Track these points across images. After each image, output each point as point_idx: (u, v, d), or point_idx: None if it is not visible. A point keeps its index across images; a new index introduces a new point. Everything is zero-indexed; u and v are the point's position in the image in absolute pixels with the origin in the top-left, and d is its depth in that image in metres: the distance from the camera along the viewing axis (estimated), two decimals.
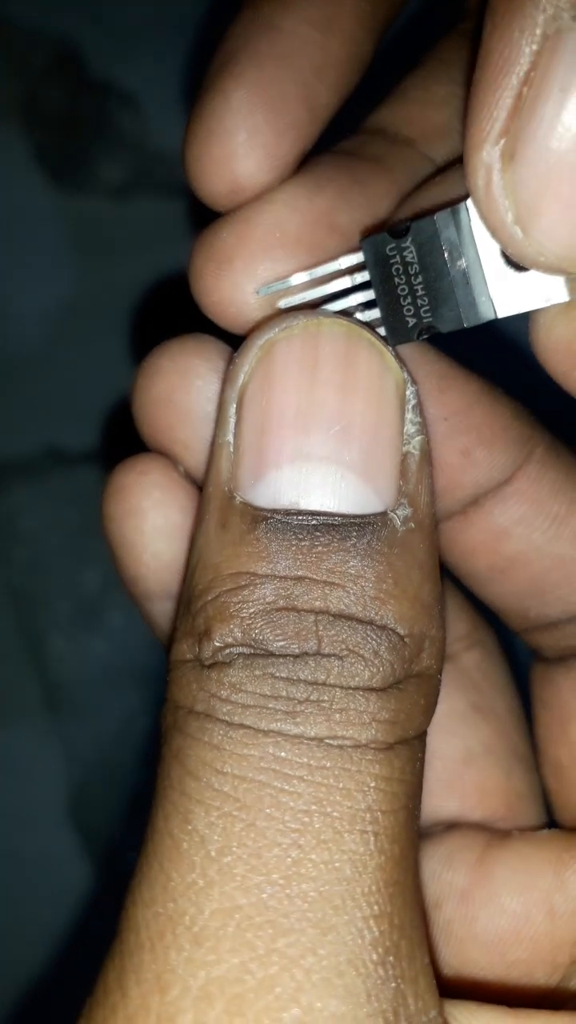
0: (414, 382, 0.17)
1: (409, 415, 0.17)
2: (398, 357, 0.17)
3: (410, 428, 0.17)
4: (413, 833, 0.17)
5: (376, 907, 0.16)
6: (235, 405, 0.17)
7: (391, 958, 0.16)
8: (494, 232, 0.15)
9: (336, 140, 0.20)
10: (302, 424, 0.17)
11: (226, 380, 0.17)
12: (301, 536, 0.16)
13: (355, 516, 0.16)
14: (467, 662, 0.22)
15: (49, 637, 0.46)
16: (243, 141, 0.18)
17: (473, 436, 0.19)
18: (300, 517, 0.16)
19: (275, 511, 0.16)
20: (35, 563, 0.46)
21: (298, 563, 0.16)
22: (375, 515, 0.17)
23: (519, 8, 0.14)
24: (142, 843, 0.17)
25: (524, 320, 0.17)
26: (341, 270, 0.17)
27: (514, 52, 0.14)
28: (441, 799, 0.22)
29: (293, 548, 0.16)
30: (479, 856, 0.21)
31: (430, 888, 0.21)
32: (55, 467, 0.47)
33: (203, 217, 0.19)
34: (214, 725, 0.16)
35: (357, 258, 0.17)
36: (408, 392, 0.17)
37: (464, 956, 0.20)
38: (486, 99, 0.14)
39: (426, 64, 0.21)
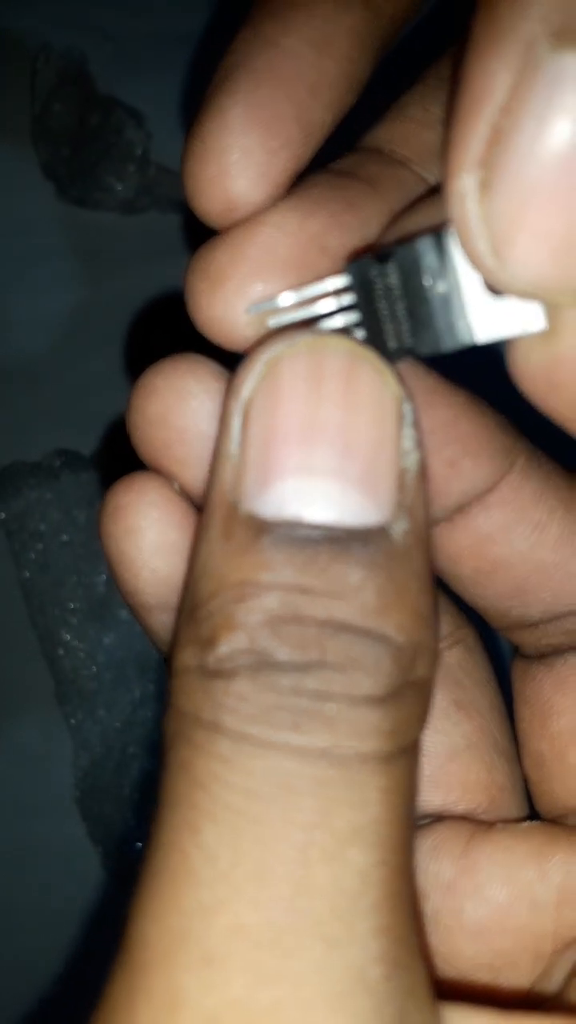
0: (411, 399, 0.18)
1: (407, 431, 0.17)
2: (398, 375, 0.17)
3: (408, 444, 0.17)
4: (410, 840, 0.17)
5: (380, 920, 0.16)
6: (239, 418, 0.17)
7: (394, 971, 0.16)
8: (472, 259, 0.15)
9: (332, 156, 0.20)
10: (307, 438, 0.17)
11: (230, 394, 0.17)
12: (305, 547, 0.16)
13: (357, 529, 0.17)
14: (450, 660, 0.22)
15: (59, 631, 0.47)
16: (237, 160, 0.18)
17: (459, 447, 0.19)
18: (303, 529, 0.16)
19: (279, 522, 0.16)
20: (46, 561, 0.47)
21: (302, 574, 0.16)
22: (376, 528, 0.17)
23: (498, 38, 0.14)
24: (147, 852, 0.16)
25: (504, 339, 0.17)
26: (328, 292, 0.18)
27: (493, 82, 0.14)
28: (426, 793, 0.22)
29: (297, 559, 0.16)
30: (463, 848, 0.21)
31: (417, 880, 0.21)
32: (64, 469, 0.47)
33: (206, 231, 0.19)
34: (222, 736, 0.16)
35: (343, 280, 0.18)
36: (406, 409, 0.17)
37: (451, 946, 0.20)
38: (464, 128, 0.14)
39: (425, 82, 0.21)
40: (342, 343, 0.17)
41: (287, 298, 0.18)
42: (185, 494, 0.19)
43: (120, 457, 0.48)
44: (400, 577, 0.17)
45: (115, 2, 0.53)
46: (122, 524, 0.19)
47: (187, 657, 0.17)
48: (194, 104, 0.50)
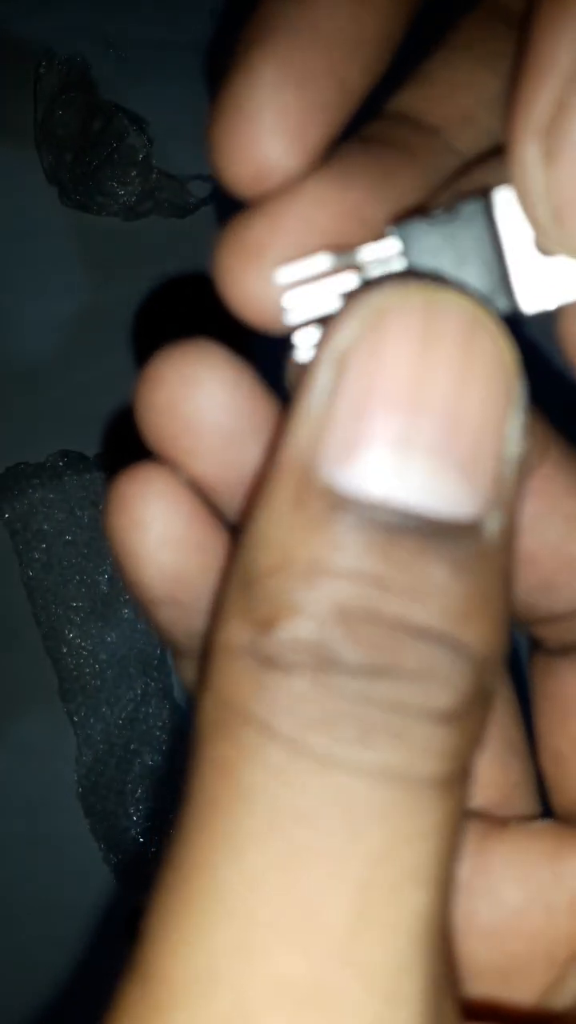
0: (525, 379, 0.16)
1: (516, 415, 0.15)
2: (515, 349, 0.16)
3: (514, 430, 0.15)
4: (455, 871, 0.15)
5: (433, 968, 0.14)
6: (332, 370, 0.15)
7: (439, 1020, 0.14)
8: (536, 230, 0.14)
9: (355, 122, 0.18)
10: (411, 405, 0.15)
11: (323, 343, 0.16)
12: (388, 533, 0.14)
13: (449, 521, 0.15)
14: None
15: (63, 629, 0.47)
16: (271, 120, 0.16)
17: None
18: (388, 512, 0.14)
19: (363, 500, 0.14)
20: (50, 561, 0.47)
21: (381, 564, 0.14)
22: (470, 522, 0.15)
23: (565, 7, 0.13)
24: (172, 865, 0.14)
25: (539, 326, 0.17)
26: (364, 260, 0.16)
27: (558, 52, 0.14)
28: None
29: (377, 546, 0.14)
30: (477, 846, 0.19)
31: None
32: (68, 470, 0.48)
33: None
34: (274, 742, 0.14)
35: (381, 246, 0.16)
36: (519, 389, 0.15)
37: (463, 947, 0.19)
38: (529, 97, 0.14)
39: (450, 44, 0.19)
40: (463, 301, 0.15)
41: (323, 261, 0.16)
42: (194, 486, 0.18)
43: (123, 458, 0.48)
44: (487, 581, 0.15)
45: (118, 10, 0.53)
46: (127, 516, 0.17)
47: (236, 633, 0.14)
48: (197, 110, 0.50)
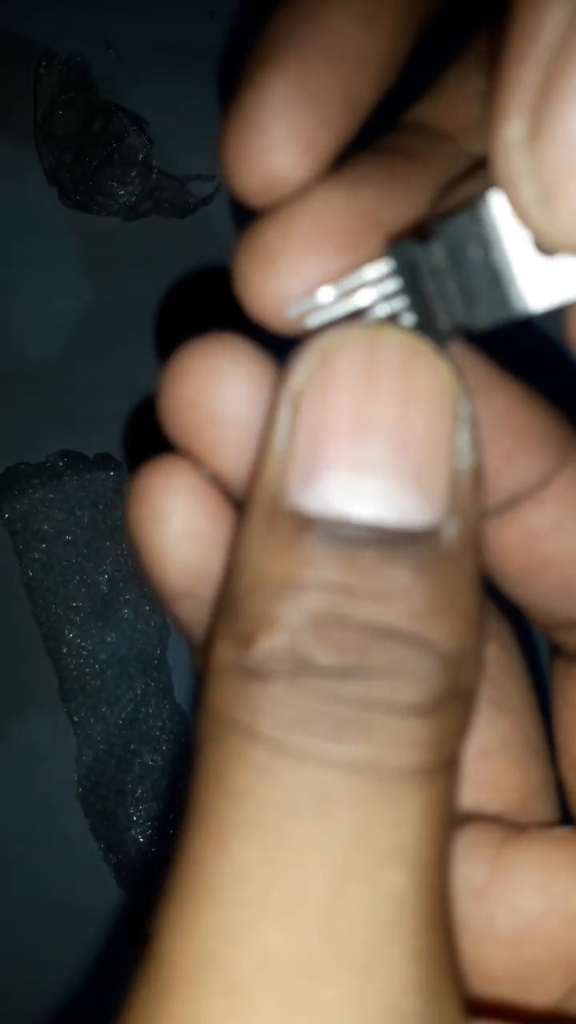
0: (470, 396, 0.17)
1: (463, 431, 0.16)
2: (456, 370, 0.16)
3: (463, 444, 0.16)
4: (448, 858, 0.16)
5: (416, 945, 0.15)
6: (289, 409, 0.16)
7: (429, 998, 0.15)
8: (520, 215, 0.14)
9: (368, 136, 0.19)
10: (358, 432, 0.16)
11: (280, 385, 0.17)
12: (351, 546, 0.15)
13: (406, 529, 0.16)
14: (484, 656, 0.21)
15: (63, 630, 0.47)
16: (281, 133, 0.17)
17: (514, 440, 0.18)
18: (350, 527, 0.15)
19: (325, 519, 0.15)
20: (50, 561, 0.47)
21: (347, 574, 0.15)
22: (426, 529, 0.16)
23: None
24: (174, 863, 0.15)
25: (554, 322, 0.17)
26: (370, 280, 0.17)
27: (544, 24, 0.13)
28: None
29: (342, 557, 0.15)
30: (495, 852, 0.20)
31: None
32: (68, 471, 0.48)
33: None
34: (257, 744, 0.15)
35: (385, 266, 0.17)
36: (464, 407, 0.16)
37: (479, 954, 0.19)
38: (512, 74, 0.13)
39: (465, 58, 0.20)
40: (399, 335, 0.16)
41: (327, 294, 0.17)
42: (216, 480, 0.18)
43: (128, 457, 0.48)
44: (450, 581, 0.16)
45: (118, 9, 0.53)
46: (149, 509, 0.18)
47: (223, 653, 0.16)
48: (198, 111, 0.50)
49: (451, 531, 0.16)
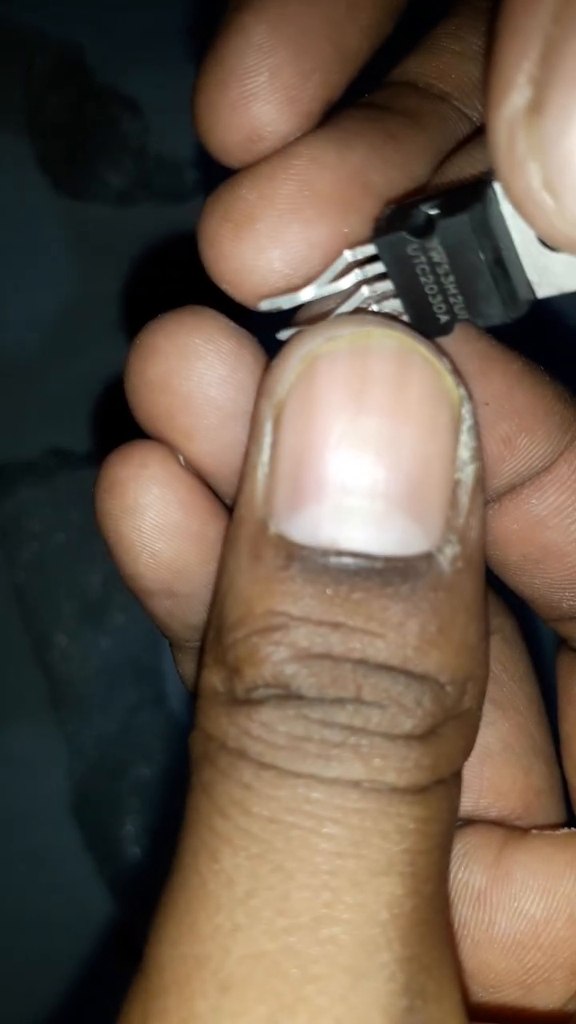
0: (471, 399, 0.15)
1: (464, 439, 0.15)
2: (455, 370, 0.15)
3: (464, 454, 0.15)
4: (446, 868, 0.16)
5: (408, 950, 0.15)
6: (271, 423, 0.15)
7: (421, 1003, 0.15)
8: (520, 203, 0.12)
9: (359, 94, 0.17)
10: (345, 454, 0.15)
11: (261, 392, 0.15)
12: (339, 579, 0.15)
13: (399, 559, 0.15)
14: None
15: (53, 635, 0.46)
16: (263, 82, 0.15)
17: (514, 422, 0.17)
18: (339, 557, 0.15)
19: (312, 548, 0.15)
20: (39, 563, 0.47)
21: (335, 608, 0.15)
22: (420, 556, 0.15)
23: None
24: (169, 873, 0.16)
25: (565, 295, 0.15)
26: (359, 281, 0.15)
27: None
28: None
29: (330, 591, 0.15)
30: (496, 856, 0.19)
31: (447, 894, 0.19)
32: (59, 468, 0.47)
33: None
34: (245, 763, 0.15)
35: (370, 251, 0.15)
36: (464, 412, 0.15)
37: (480, 959, 0.19)
38: (509, 45, 0.12)
39: (459, 12, 0.19)
40: (391, 338, 0.15)
41: (308, 292, 0.15)
42: (191, 467, 0.17)
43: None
44: (446, 610, 0.15)
45: None
46: (120, 501, 0.17)
47: (213, 680, 0.16)
48: (192, 95, 0.51)
49: (448, 555, 0.15)
